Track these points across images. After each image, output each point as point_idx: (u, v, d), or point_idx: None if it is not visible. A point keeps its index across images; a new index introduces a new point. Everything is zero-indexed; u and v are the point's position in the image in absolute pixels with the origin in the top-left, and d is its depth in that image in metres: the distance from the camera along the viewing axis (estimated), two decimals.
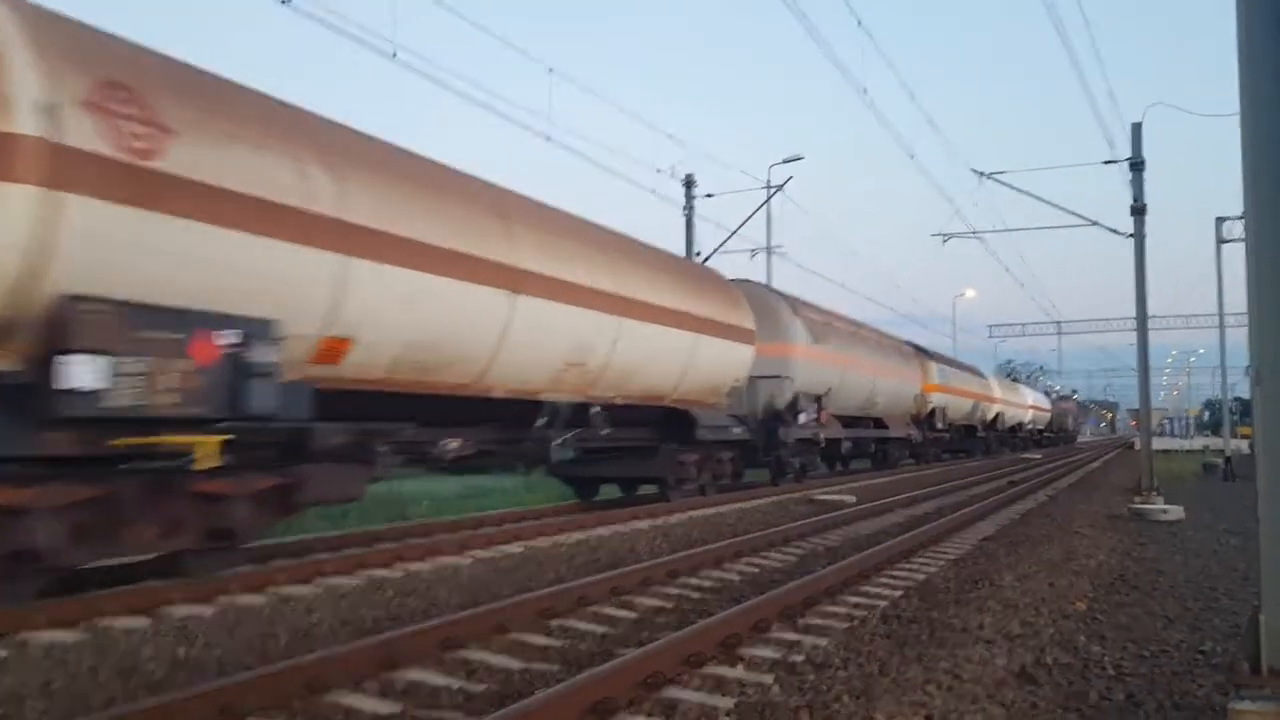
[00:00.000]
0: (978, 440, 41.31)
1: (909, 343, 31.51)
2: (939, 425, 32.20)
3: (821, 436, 19.94)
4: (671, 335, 13.72)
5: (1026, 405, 55.33)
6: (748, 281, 19.88)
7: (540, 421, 11.15)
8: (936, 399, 31.66)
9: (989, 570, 8.51)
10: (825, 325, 21.39)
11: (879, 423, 25.85)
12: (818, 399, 19.63)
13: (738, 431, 15.94)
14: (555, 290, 10.84)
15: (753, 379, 17.33)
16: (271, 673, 4.60)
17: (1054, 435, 72.40)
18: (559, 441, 11.47)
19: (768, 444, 18.00)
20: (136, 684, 4.93)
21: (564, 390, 11.47)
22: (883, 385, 25.44)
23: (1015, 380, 78.23)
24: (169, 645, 5.62)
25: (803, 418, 18.78)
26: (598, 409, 12.11)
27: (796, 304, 20.58)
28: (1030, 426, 57.90)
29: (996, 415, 44.16)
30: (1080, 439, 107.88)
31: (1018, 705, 4.68)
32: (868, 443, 25.56)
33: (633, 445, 13.93)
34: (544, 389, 11.12)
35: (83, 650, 5.44)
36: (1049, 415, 66.99)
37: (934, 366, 31.83)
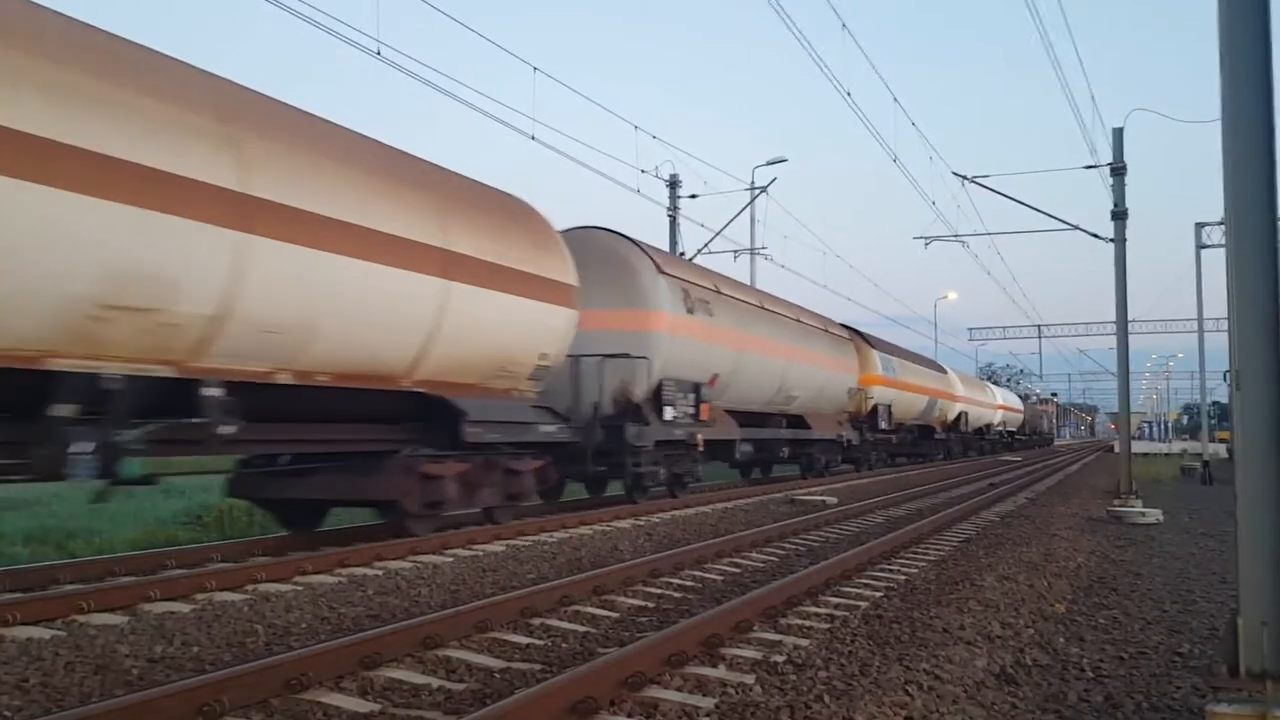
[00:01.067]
0: (936, 443, 36.87)
1: (847, 326, 27.18)
2: (883, 425, 27.90)
3: (699, 438, 15.69)
4: (397, 278, 8.97)
5: (995, 405, 51.35)
6: (595, 228, 15.32)
7: (59, 410, 6.58)
8: (879, 394, 27.49)
9: (969, 571, 8.55)
10: (710, 293, 16.68)
11: (798, 421, 21.71)
12: (696, 388, 15.50)
13: (548, 430, 11.79)
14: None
15: (581, 359, 13.54)
16: (250, 670, 4.57)
17: (1028, 438, 69.27)
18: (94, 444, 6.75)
19: (608, 448, 13.56)
20: (113, 681, 4.89)
21: (114, 353, 6.82)
22: (801, 374, 20.84)
23: (994, 380, 77.98)
24: (146, 642, 5.58)
25: (672, 412, 14.64)
26: (217, 390, 7.59)
27: (666, 261, 15.94)
28: (1000, 428, 54.09)
29: (960, 415, 40.19)
30: (1059, 442, 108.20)
31: (997, 706, 4.70)
32: (778, 445, 20.94)
33: (341, 450, 9.45)
34: (58, 350, 6.50)
35: (59, 647, 5.40)
36: (1022, 417, 63.50)
37: (875, 355, 27.42)
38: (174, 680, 4.74)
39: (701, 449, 15.88)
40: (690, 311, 15.48)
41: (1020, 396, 70.49)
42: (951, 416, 38.93)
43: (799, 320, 21.46)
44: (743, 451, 18.42)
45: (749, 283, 26.63)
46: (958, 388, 40.16)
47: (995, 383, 72.81)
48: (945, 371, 39.20)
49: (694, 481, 16.66)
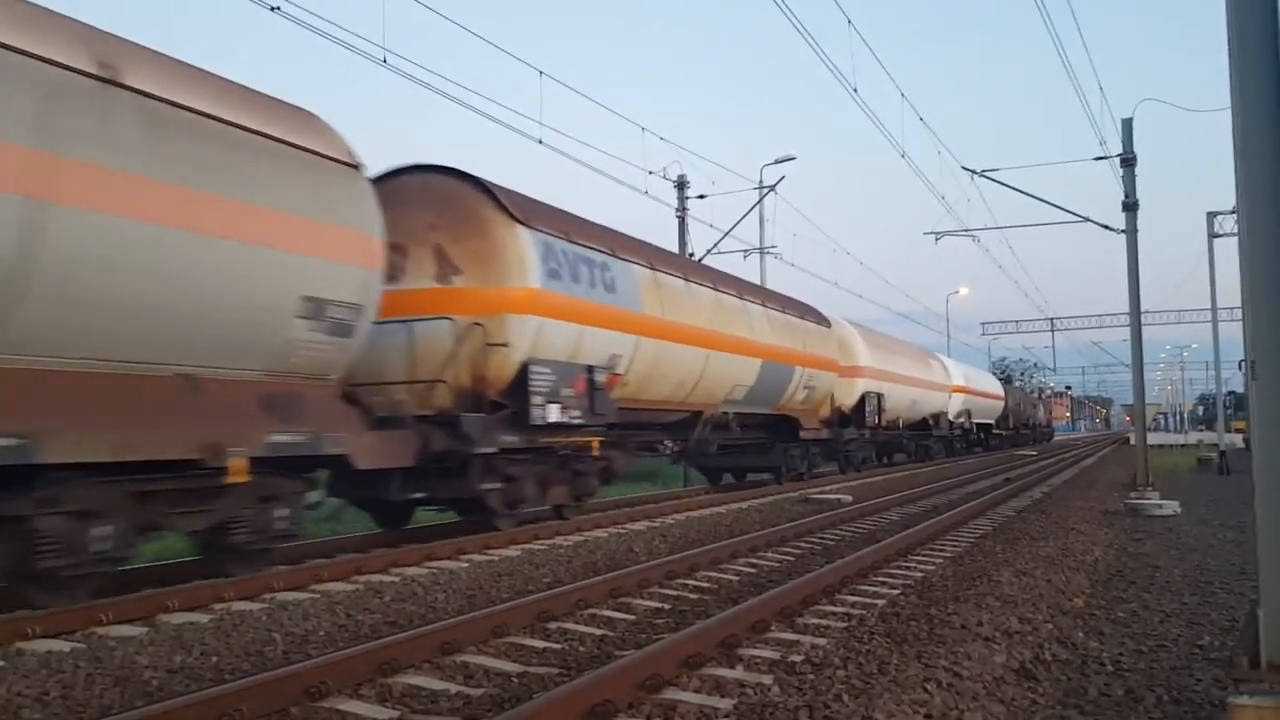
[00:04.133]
0: (783, 451, 20.80)
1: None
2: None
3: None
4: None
5: (946, 386, 35.10)
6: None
7: None
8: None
9: (986, 567, 8.51)
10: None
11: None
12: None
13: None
14: None
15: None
16: (269, 679, 4.58)
17: (1012, 433, 54.32)
18: None
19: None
20: (133, 692, 4.91)
21: None
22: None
23: (1007, 375, 73.30)
24: (165, 653, 5.60)
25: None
26: None
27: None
28: (960, 421, 39.05)
29: (868, 399, 24.96)
30: (1072, 435, 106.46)
31: (1017, 702, 4.68)
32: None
33: None
34: None
35: (79, 659, 5.43)
36: (1002, 405, 48.75)
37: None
38: (194, 690, 4.75)
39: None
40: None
41: (1001, 379, 56.21)
42: (850, 401, 24.30)
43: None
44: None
45: (759, 283, 26.49)
46: (860, 353, 24.90)
47: (1008, 378, 70.69)
48: (828, 324, 22.74)
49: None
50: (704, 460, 19.56)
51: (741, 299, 17.34)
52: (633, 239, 14.52)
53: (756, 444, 19.68)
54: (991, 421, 47.00)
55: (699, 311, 15.21)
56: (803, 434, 20.53)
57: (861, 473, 24.71)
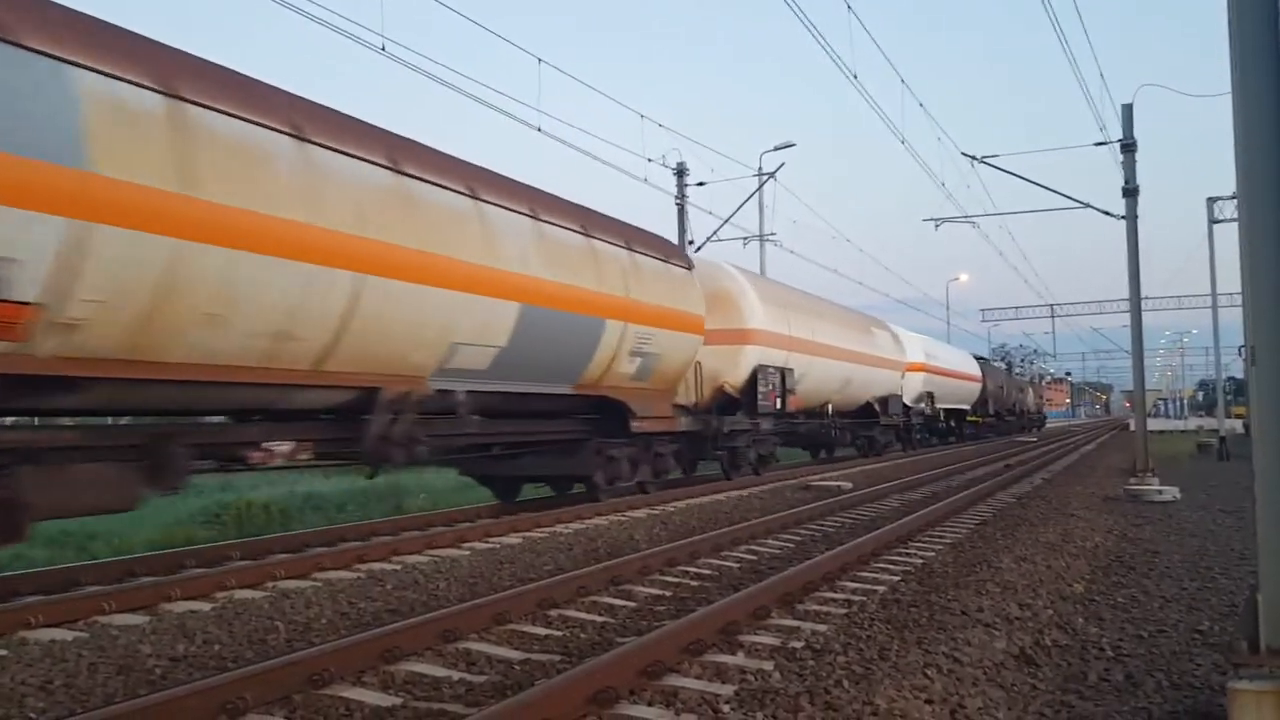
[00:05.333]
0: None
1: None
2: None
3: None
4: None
5: (897, 363, 27.79)
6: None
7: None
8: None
9: (987, 554, 8.53)
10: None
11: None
12: None
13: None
14: None
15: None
16: (271, 667, 4.60)
17: (996, 420, 46.59)
18: None
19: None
20: (136, 681, 4.92)
21: None
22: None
23: (1008, 362, 71.52)
24: (168, 641, 5.62)
25: None
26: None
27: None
28: (919, 406, 31.57)
29: (771, 376, 18.02)
30: (1072, 422, 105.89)
31: (1018, 687, 4.70)
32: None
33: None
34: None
35: (82, 648, 5.45)
36: (979, 388, 40.91)
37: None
38: (196, 679, 4.77)
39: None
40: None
41: (976, 358, 44.39)
42: (737, 378, 17.38)
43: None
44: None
45: (758, 271, 26.22)
46: (749, 311, 17.76)
47: (1009, 365, 69.60)
48: (688, 266, 15.77)
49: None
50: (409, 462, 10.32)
51: (476, 199, 10.11)
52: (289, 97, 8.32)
53: (550, 439, 12.58)
54: (966, 407, 39.59)
55: (341, 206, 8.14)
56: (635, 425, 13.40)
57: (761, 477, 18.24)
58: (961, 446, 35.63)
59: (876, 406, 26.11)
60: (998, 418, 47.13)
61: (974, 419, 41.56)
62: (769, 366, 17.86)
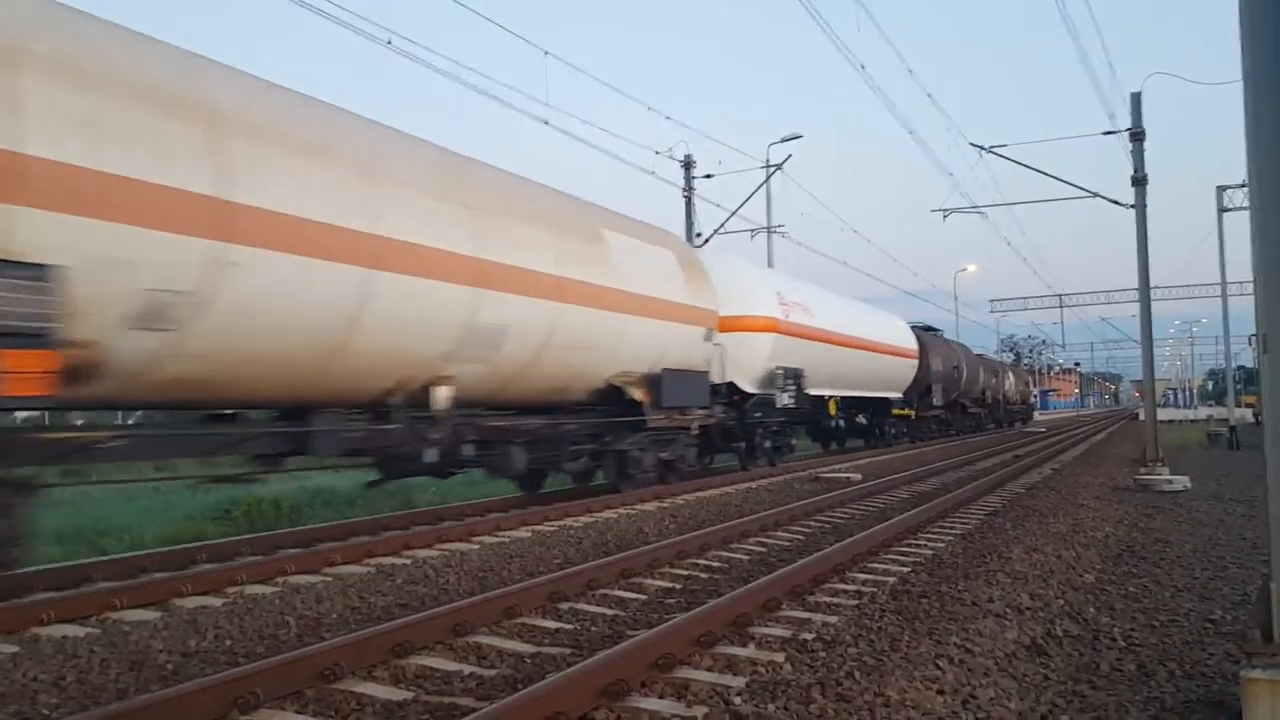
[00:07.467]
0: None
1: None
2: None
3: None
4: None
5: (707, 314, 15.15)
6: None
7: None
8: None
9: (997, 544, 8.52)
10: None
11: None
12: None
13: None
14: None
15: None
16: (283, 662, 4.61)
17: (946, 414, 32.86)
18: None
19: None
20: (148, 676, 4.94)
21: None
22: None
23: (1016, 353, 69.82)
24: (180, 637, 5.64)
25: None
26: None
27: None
28: (768, 394, 17.51)
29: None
30: (1082, 411, 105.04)
31: (1030, 678, 4.69)
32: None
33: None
34: None
35: (94, 644, 5.47)
36: (913, 366, 27.94)
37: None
38: (208, 674, 4.79)
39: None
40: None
41: (926, 328, 33.03)
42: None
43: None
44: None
45: (767, 264, 26.05)
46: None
47: (1017, 355, 69.03)
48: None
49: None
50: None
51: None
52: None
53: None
54: (898, 395, 27.40)
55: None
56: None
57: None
58: (968, 439, 35.52)
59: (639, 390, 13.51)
60: (951, 410, 34.00)
61: (902, 412, 28.36)
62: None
